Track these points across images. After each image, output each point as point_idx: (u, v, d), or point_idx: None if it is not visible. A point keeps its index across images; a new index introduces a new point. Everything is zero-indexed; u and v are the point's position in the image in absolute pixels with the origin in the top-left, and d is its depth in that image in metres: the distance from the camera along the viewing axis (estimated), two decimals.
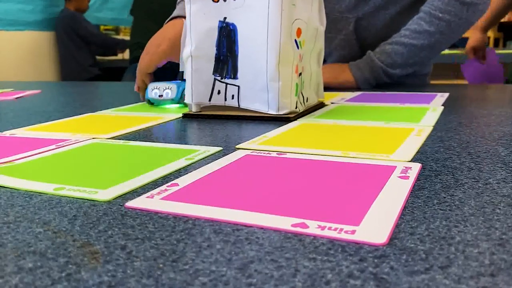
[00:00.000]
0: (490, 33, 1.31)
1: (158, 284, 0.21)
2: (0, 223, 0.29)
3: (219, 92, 0.66)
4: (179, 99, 0.77)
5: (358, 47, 1.06)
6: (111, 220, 0.29)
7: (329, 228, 0.27)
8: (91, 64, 3.22)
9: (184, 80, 0.69)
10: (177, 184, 0.36)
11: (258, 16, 0.60)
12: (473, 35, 1.33)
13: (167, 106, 0.79)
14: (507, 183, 0.34)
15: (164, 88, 0.78)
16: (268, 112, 0.63)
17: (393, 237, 0.26)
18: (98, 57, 3.38)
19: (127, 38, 2.93)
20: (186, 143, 0.51)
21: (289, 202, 0.31)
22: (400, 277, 0.21)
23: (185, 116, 0.68)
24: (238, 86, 0.64)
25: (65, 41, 3.17)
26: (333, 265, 0.23)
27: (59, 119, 0.70)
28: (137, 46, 2.40)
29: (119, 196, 0.34)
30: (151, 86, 0.79)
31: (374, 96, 0.86)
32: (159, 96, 0.78)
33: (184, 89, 0.75)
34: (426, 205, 0.30)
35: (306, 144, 0.48)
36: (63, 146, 0.50)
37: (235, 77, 0.64)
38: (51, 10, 3.36)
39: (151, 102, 0.80)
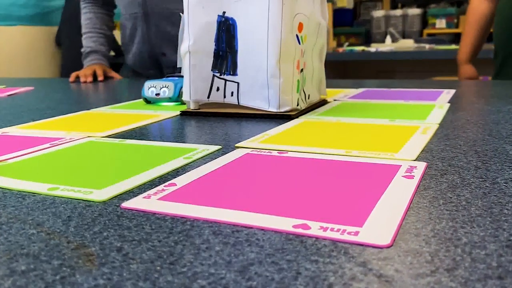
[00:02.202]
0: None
1: (155, 287, 0.21)
2: None
3: (218, 89, 0.66)
4: (177, 97, 0.77)
5: None
6: (107, 221, 0.29)
7: (332, 229, 0.27)
8: None
9: (182, 77, 0.69)
10: (175, 184, 0.36)
11: (258, 10, 0.60)
12: (461, 69, 1.39)
13: (164, 104, 0.79)
14: None
15: (161, 86, 0.78)
16: (269, 110, 0.63)
17: (397, 239, 0.26)
18: None
19: None
20: (184, 142, 0.51)
21: (290, 203, 0.31)
22: (405, 279, 0.21)
23: (183, 113, 0.68)
24: (238, 83, 0.64)
25: (70, 33, 3.12)
26: (335, 268, 0.23)
27: (53, 116, 0.70)
28: None
29: (115, 197, 0.34)
30: (148, 84, 0.79)
31: (378, 93, 0.86)
32: (156, 94, 0.78)
33: (182, 86, 0.75)
34: (432, 205, 0.30)
35: (308, 142, 0.48)
36: (57, 145, 0.50)
37: (234, 73, 0.64)
38: (44, 4, 3.35)
39: (147, 101, 0.80)
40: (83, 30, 1.42)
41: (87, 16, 1.42)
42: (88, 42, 1.41)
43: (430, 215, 0.29)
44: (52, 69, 3.38)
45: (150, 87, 0.78)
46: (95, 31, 1.42)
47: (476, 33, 1.35)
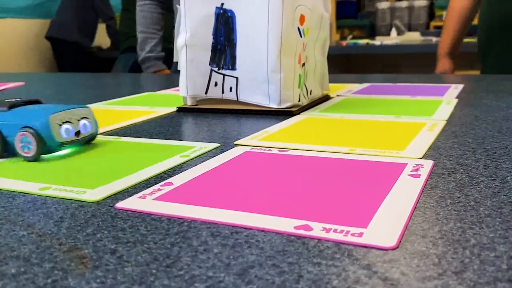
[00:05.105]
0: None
1: None
2: None
3: (216, 84, 0.66)
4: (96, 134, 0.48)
5: None
6: (100, 222, 0.29)
7: (335, 231, 0.27)
8: (88, 36, 3.19)
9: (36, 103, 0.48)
10: (171, 183, 0.36)
11: (258, 1, 0.60)
12: (439, 62, 1.47)
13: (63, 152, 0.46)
14: None
15: (79, 118, 0.46)
16: (269, 106, 0.63)
17: (403, 240, 0.26)
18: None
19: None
20: (181, 139, 0.51)
21: (291, 203, 0.31)
22: (411, 283, 0.21)
23: (180, 110, 0.68)
24: (237, 78, 0.64)
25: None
26: (339, 270, 0.23)
27: None
28: (127, 36, 2.45)
29: (109, 196, 0.34)
30: (56, 119, 0.43)
31: (383, 88, 0.86)
32: (76, 133, 0.45)
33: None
34: (439, 205, 0.30)
35: (310, 140, 0.48)
36: None
37: (233, 68, 0.64)
38: None
39: (51, 150, 0.44)
40: (140, 28, 1.56)
41: (144, 15, 1.55)
42: (145, 45, 1.55)
43: (437, 216, 0.29)
44: (44, 64, 3.38)
45: (64, 123, 0.44)
46: (150, 32, 1.55)
47: (456, 27, 1.40)
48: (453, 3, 1.40)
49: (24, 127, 0.42)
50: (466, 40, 1.90)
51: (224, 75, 0.65)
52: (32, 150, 0.42)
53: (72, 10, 3.13)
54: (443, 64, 1.42)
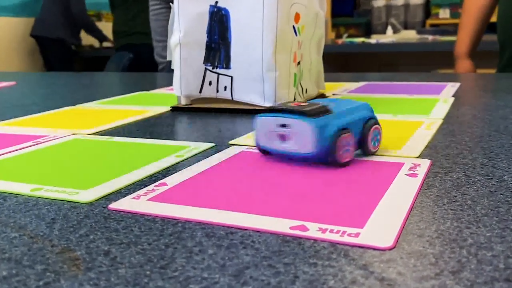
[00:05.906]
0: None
1: None
2: None
3: (210, 83, 0.66)
4: None
5: None
6: (93, 224, 0.29)
7: (331, 231, 0.27)
8: (74, 35, 3.20)
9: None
10: (165, 184, 0.36)
11: None
12: (459, 63, 1.39)
13: None
14: None
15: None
16: (264, 105, 0.63)
17: (400, 240, 0.26)
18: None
19: (110, 23, 2.92)
20: (175, 139, 0.51)
21: (287, 203, 0.31)
22: (408, 283, 0.21)
23: (174, 109, 0.68)
24: (231, 77, 0.64)
25: None
26: (335, 271, 0.23)
27: (37, 113, 0.70)
28: (123, 34, 2.44)
29: (102, 197, 0.34)
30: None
31: (380, 86, 0.86)
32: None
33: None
34: (436, 204, 0.30)
35: None
36: (41, 143, 0.50)
37: (227, 67, 0.64)
38: None
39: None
40: (157, 37, 1.57)
41: (161, 24, 1.54)
42: (164, 52, 1.56)
43: (434, 215, 0.29)
44: (32, 63, 3.37)
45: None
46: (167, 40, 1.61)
47: (475, 24, 1.32)
48: (469, 1, 1.33)
49: (369, 119, 0.41)
50: None
51: (218, 74, 0.65)
52: (378, 144, 0.42)
53: (55, 8, 3.13)
54: (463, 67, 1.36)
